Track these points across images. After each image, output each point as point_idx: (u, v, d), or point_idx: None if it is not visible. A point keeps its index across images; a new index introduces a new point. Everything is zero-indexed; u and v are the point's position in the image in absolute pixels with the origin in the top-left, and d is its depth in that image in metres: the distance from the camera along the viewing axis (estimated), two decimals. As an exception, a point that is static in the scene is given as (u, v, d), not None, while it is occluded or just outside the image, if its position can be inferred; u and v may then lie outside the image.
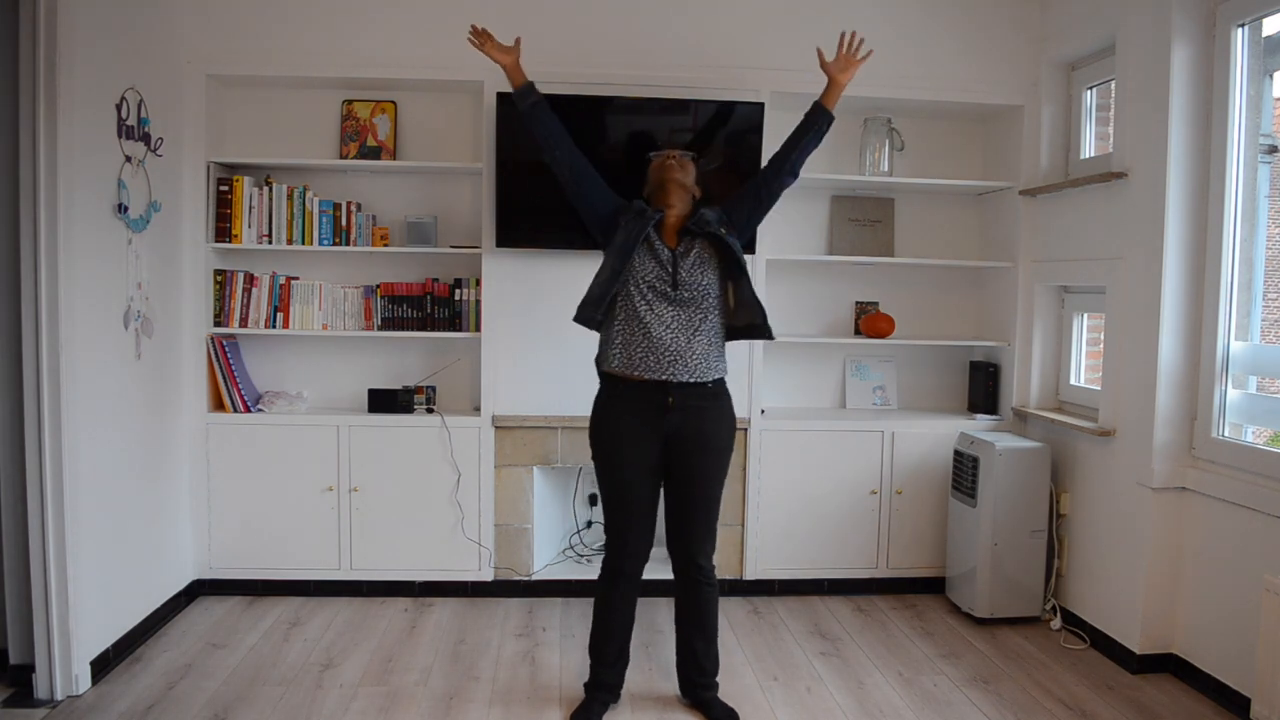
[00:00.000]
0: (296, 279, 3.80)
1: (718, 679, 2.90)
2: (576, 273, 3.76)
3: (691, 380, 2.69)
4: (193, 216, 3.64)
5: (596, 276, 2.78)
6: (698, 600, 2.82)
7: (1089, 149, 3.79)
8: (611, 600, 2.82)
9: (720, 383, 2.78)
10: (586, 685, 2.88)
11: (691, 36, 3.74)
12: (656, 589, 3.74)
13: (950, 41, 3.84)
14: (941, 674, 3.19)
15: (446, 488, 3.76)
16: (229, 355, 3.72)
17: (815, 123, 2.89)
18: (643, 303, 2.68)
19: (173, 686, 2.98)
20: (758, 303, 2.77)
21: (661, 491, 2.83)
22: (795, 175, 2.91)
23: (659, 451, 2.75)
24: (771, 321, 3.88)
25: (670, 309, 2.68)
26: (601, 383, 2.82)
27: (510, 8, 3.69)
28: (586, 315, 2.75)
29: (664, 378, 2.67)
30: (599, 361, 2.82)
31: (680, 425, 2.71)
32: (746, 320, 2.76)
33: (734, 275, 2.75)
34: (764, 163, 3.67)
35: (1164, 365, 3.12)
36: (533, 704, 2.91)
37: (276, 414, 3.75)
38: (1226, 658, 2.95)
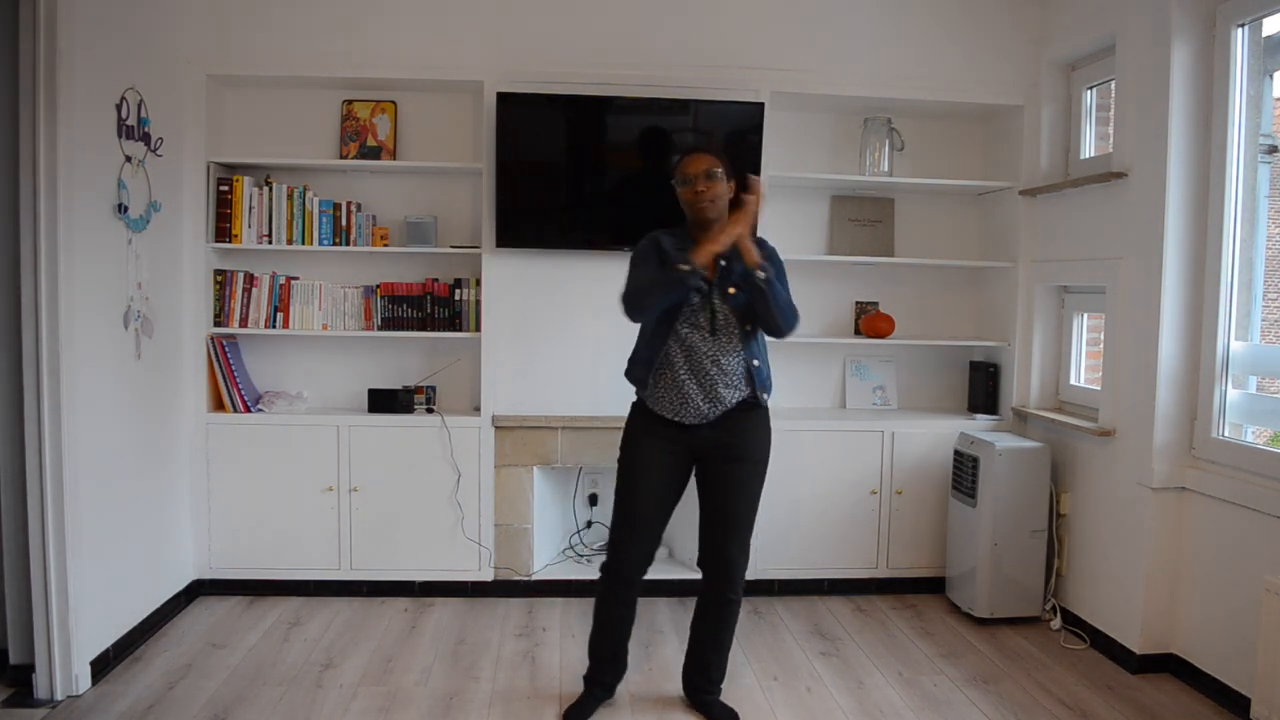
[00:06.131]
0: (296, 279, 3.80)
1: (722, 685, 2.89)
2: (576, 272, 3.79)
3: (727, 409, 2.68)
4: (193, 216, 3.64)
5: (642, 328, 2.75)
6: (720, 616, 2.80)
7: (1089, 149, 3.79)
8: (606, 598, 2.82)
9: (754, 399, 2.73)
10: (585, 678, 2.89)
11: (692, 36, 3.74)
12: (656, 589, 3.75)
13: (950, 41, 3.84)
14: (941, 674, 3.18)
15: (446, 488, 3.76)
16: (229, 355, 3.72)
17: (750, 287, 2.66)
18: (680, 351, 2.65)
19: (173, 686, 2.98)
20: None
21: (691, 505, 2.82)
22: (782, 334, 2.72)
23: (686, 463, 2.74)
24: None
25: (706, 340, 2.66)
26: (638, 404, 2.81)
27: (511, 8, 3.70)
28: (637, 376, 2.77)
29: (701, 421, 2.67)
30: (633, 384, 2.79)
31: (711, 437, 2.70)
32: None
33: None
34: (764, 163, 3.70)
35: (1164, 365, 3.12)
36: (533, 704, 2.91)
37: (276, 414, 3.75)
38: (1226, 658, 2.95)
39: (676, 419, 2.68)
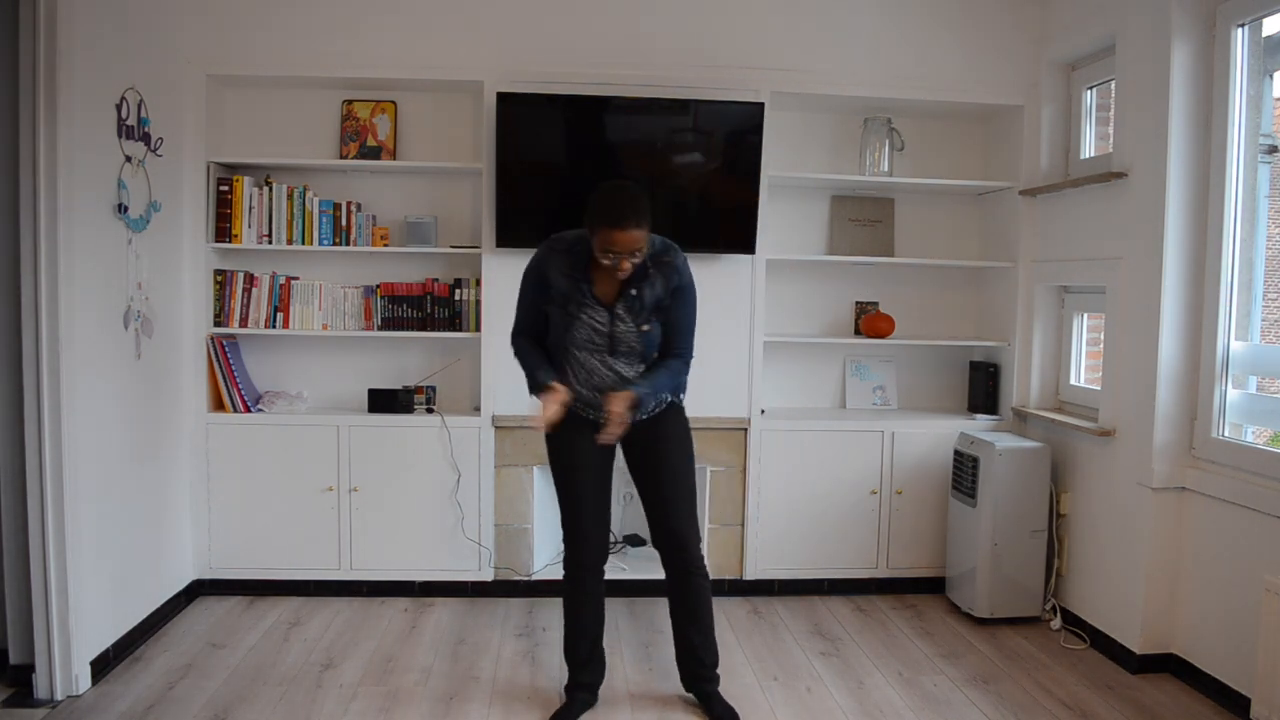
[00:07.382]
0: (296, 279, 3.80)
1: (718, 671, 2.89)
2: (576, 273, 3.78)
3: (641, 417, 2.73)
4: (193, 216, 3.64)
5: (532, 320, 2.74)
6: (690, 592, 2.81)
7: (1089, 149, 3.79)
8: (578, 597, 2.82)
9: (669, 405, 2.81)
10: (566, 688, 2.89)
11: (692, 36, 3.74)
12: (655, 589, 3.73)
13: (950, 41, 3.84)
14: (941, 674, 3.19)
15: (446, 488, 3.76)
16: (229, 355, 3.72)
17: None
18: (584, 355, 2.69)
19: (173, 686, 2.98)
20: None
21: (636, 492, 2.87)
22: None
23: (612, 449, 2.77)
24: (772, 321, 3.97)
25: (612, 360, 2.69)
26: None
27: (511, 8, 3.70)
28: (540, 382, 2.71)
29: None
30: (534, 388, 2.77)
31: (633, 430, 2.72)
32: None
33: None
34: (764, 163, 3.70)
35: (1164, 365, 3.12)
36: (533, 704, 2.91)
37: (276, 414, 3.75)
38: (1226, 658, 2.95)
39: (593, 417, 2.72)
